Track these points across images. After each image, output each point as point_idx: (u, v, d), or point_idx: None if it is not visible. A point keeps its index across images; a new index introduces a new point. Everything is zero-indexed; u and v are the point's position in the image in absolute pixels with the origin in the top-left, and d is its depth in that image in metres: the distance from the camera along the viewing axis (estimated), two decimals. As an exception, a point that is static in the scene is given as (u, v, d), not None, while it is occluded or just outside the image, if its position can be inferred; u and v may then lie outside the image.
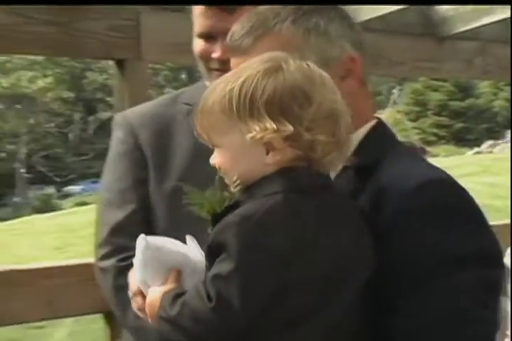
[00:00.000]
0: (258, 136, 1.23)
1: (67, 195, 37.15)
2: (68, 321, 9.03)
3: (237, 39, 1.45)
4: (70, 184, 39.47)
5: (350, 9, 3.46)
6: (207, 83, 2.02)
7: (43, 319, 2.91)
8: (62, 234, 18.42)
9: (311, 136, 1.24)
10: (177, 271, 1.33)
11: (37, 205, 32.72)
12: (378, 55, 3.55)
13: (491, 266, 1.32)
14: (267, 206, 1.22)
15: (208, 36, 1.96)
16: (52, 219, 22.70)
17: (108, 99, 41.35)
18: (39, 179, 39.07)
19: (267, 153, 1.26)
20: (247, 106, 1.24)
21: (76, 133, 42.31)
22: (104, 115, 40.73)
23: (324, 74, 1.30)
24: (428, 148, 33.24)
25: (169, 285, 1.31)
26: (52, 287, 2.69)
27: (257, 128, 1.23)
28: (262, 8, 1.47)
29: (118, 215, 2.00)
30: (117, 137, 2.10)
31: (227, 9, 1.90)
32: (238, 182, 1.30)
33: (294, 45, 1.41)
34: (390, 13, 3.40)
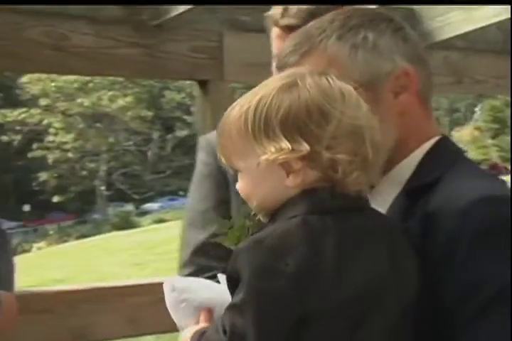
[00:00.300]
0: (272, 158, 1.16)
1: (145, 212, 37.78)
2: (150, 338, 9.11)
3: (284, 57, 1.40)
4: (148, 201, 40.13)
5: (432, 28, 3.45)
6: None
7: (124, 336, 2.95)
8: (140, 251, 18.71)
9: (331, 155, 1.16)
10: (207, 311, 1.29)
11: (116, 222, 33.31)
12: (462, 73, 3.52)
13: None
14: (281, 229, 1.15)
15: None
16: (130, 236, 23.09)
17: (185, 117, 41.95)
18: (118, 196, 39.85)
19: (288, 176, 1.19)
20: (262, 127, 1.18)
21: (154, 151, 43.02)
22: (181, 133, 41.33)
23: (347, 88, 1.22)
24: (507, 166, 32.50)
25: (201, 325, 1.27)
26: (134, 305, 2.74)
27: (273, 149, 1.17)
28: (310, 24, 1.42)
29: (201, 236, 2.03)
30: (201, 159, 2.14)
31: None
32: (261, 208, 1.24)
33: (340, 62, 1.35)
34: (473, 31, 3.37)
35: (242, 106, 1.21)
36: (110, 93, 37.86)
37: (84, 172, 39.59)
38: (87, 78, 33.84)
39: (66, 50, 2.96)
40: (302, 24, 1.91)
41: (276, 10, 1.96)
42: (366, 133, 1.19)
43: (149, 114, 40.96)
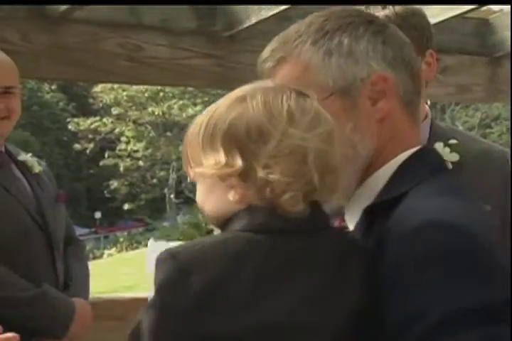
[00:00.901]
0: (207, 170, 1.16)
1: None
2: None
3: (261, 63, 1.36)
4: (217, 209, 40.28)
5: (506, 38, 3.38)
6: None
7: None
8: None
9: (265, 175, 1.13)
10: None
11: (185, 230, 33.60)
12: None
13: (501, 322, 1.09)
14: (205, 244, 1.13)
15: None
16: (199, 244, 23.21)
17: (254, 126, 42.03)
18: (187, 204, 40.23)
19: (230, 190, 1.17)
20: (208, 138, 1.18)
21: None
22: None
23: (299, 107, 1.17)
24: None
25: None
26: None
27: (212, 161, 1.16)
28: (291, 27, 1.36)
29: None
30: None
31: None
32: (211, 218, 1.23)
33: (314, 68, 1.30)
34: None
35: (201, 117, 1.22)
36: (180, 102, 38.30)
37: (154, 181, 40.12)
38: (158, 87, 34.33)
39: (140, 61, 3.02)
40: None
41: None
42: (311, 155, 1.14)
43: (219, 123, 41.16)
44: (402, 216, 1.19)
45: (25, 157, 2.64)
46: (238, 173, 1.14)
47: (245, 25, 2.95)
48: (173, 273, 1.10)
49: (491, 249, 1.15)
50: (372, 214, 1.25)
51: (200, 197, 1.23)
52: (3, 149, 2.56)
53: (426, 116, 2.07)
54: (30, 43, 2.89)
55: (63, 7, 2.78)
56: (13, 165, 2.58)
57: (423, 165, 1.30)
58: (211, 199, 1.21)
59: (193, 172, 1.21)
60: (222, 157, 1.15)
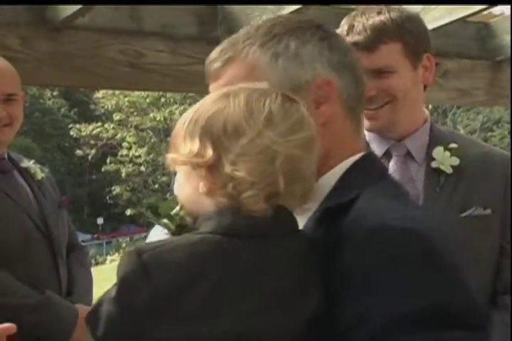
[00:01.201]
0: (179, 158, 1.21)
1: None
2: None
3: (208, 64, 1.39)
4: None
5: (507, 42, 3.38)
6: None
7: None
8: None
9: (230, 171, 1.15)
10: None
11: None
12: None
13: (451, 327, 1.08)
14: (172, 245, 1.14)
15: None
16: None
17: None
18: (189, 209, 40.20)
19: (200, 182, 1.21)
20: (190, 130, 1.21)
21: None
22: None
23: (281, 111, 1.19)
24: None
25: None
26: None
27: (187, 150, 1.20)
28: (240, 31, 1.41)
29: None
30: None
31: (368, 48, 1.94)
32: (185, 210, 1.27)
33: (261, 70, 1.33)
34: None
35: (189, 110, 1.26)
36: (182, 108, 38.31)
37: (156, 186, 40.13)
38: (159, 93, 34.38)
39: (141, 67, 3.02)
40: (368, 40, 1.94)
41: (342, 27, 1.98)
42: (280, 159, 1.16)
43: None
44: (355, 220, 1.20)
45: (28, 164, 2.64)
46: (207, 165, 1.17)
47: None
48: (134, 271, 1.11)
49: (441, 252, 1.16)
50: (327, 217, 1.25)
51: (177, 186, 1.26)
52: (5, 156, 2.57)
53: (425, 120, 2.08)
54: (32, 50, 2.89)
55: (64, 14, 2.79)
56: (16, 171, 2.58)
57: (369, 171, 1.34)
58: (185, 188, 1.23)
59: (167, 159, 1.24)
60: (196, 147, 1.18)
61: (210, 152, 1.17)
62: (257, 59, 1.34)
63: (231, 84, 1.29)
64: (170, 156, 1.22)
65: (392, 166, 2.04)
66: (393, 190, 1.32)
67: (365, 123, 2.02)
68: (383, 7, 1.99)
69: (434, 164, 2.02)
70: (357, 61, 1.39)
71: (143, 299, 1.09)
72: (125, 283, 1.11)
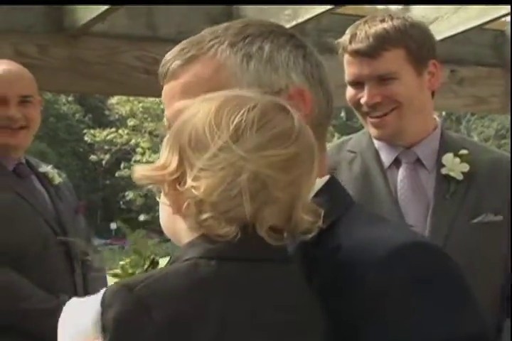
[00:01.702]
0: (140, 171, 1.06)
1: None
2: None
3: (164, 64, 1.22)
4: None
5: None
6: (369, 129, 2.07)
7: None
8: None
9: (190, 187, 0.99)
10: None
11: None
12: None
13: None
14: (162, 274, 0.99)
15: (355, 83, 2.03)
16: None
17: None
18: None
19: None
20: (166, 139, 1.08)
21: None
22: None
23: (258, 123, 1.02)
24: None
25: None
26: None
27: (157, 162, 1.06)
28: (203, 31, 1.26)
29: None
30: None
31: (370, 55, 1.96)
32: (169, 236, 1.11)
33: (229, 71, 1.18)
34: None
35: None
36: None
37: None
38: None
39: (156, 73, 3.03)
40: (369, 48, 1.95)
41: (345, 37, 2.00)
42: (245, 177, 0.98)
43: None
44: (358, 246, 1.08)
45: (46, 168, 2.66)
46: (173, 179, 1.03)
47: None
48: (130, 309, 0.94)
49: (456, 269, 1.09)
50: (300, 247, 1.12)
51: (160, 208, 1.11)
52: (23, 160, 2.59)
53: (435, 127, 2.08)
54: (49, 57, 2.91)
55: (82, 21, 2.81)
56: (34, 176, 2.60)
57: (339, 194, 1.22)
58: (162, 211, 1.10)
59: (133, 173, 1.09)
60: (164, 157, 1.05)
61: (174, 164, 1.02)
62: (226, 59, 1.19)
63: (190, 85, 1.17)
64: (135, 169, 1.07)
65: (401, 173, 2.05)
66: (371, 214, 1.22)
67: (373, 131, 2.04)
68: (386, 15, 2.01)
69: (444, 171, 2.02)
70: (327, 77, 1.25)
71: (150, 338, 0.93)
72: (122, 326, 0.94)
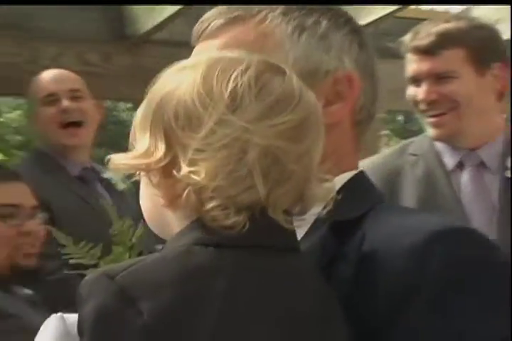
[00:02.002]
0: (122, 160, 0.89)
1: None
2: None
3: (202, 21, 1.07)
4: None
5: None
6: (429, 131, 2.06)
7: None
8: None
9: (187, 173, 0.83)
10: None
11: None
12: None
13: None
14: (148, 262, 0.83)
15: (415, 80, 2.02)
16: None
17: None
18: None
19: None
20: (143, 120, 0.90)
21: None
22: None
23: (256, 87, 0.86)
24: None
25: None
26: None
27: (137, 148, 0.89)
28: None
29: None
30: None
31: (430, 52, 1.97)
32: (152, 228, 0.95)
33: (277, 40, 1.04)
34: None
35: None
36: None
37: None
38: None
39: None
40: (429, 45, 1.96)
41: (408, 35, 2.02)
42: (253, 153, 0.83)
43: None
44: (394, 233, 0.92)
45: (110, 174, 2.70)
46: (162, 167, 0.86)
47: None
48: (113, 302, 0.80)
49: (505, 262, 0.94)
50: (333, 236, 0.98)
51: (140, 201, 0.95)
52: (89, 165, 2.64)
53: (502, 129, 2.06)
54: (111, 65, 2.96)
55: (143, 29, 2.85)
56: (98, 182, 2.64)
57: (369, 189, 1.08)
58: (146, 203, 0.93)
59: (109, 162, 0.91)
60: (145, 142, 0.87)
61: (162, 148, 0.85)
62: (276, 26, 1.04)
63: (228, 47, 1.00)
64: (112, 158, 0.90)
65: (465, 176, 2.03)
66: (402, 207, 1.09)
67: (431, 131, 2.02)
68: (452, 17, 2.03)
69: (508, 173, 1.99)
70: (377, 73, 1.12)
71: (133, 335, 0.79)
72: (103, 320, 0.81)
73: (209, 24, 1.06)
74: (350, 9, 2.98)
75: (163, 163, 0.85)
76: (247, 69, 0.86)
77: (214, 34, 1.05)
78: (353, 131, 1.07)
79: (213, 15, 1.06)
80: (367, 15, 2.92)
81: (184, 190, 0.84)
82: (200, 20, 1.08)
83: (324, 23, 1.06)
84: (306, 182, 0.87)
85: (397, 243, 0.90)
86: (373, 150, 2.78)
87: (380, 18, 2.92)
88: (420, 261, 0.87)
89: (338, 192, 0.96)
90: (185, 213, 0.86)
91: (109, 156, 0.90)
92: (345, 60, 1.05)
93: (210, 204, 0.83)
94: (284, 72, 0.89)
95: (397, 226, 0.94)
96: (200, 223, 0.85)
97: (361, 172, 1.08)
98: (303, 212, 0.90)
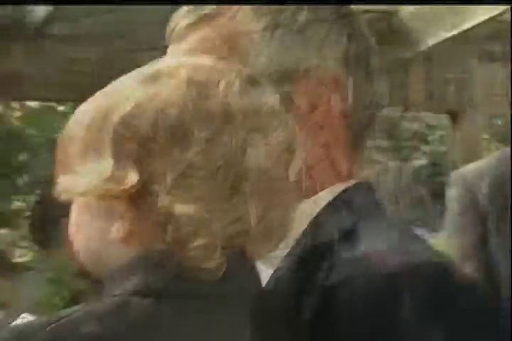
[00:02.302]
0: (78, 187, 0.72)
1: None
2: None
3: (172, 21, 0.98)
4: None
5: None
6: None
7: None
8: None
9: (168, 203, 0.69)
10: None
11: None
12: None
13: None
14: (73, 317, 0.68)
15: None
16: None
17: (422, 147, 41.36)
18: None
19: (112, 223, 0.73)
20: (94, 135, 0.74)
21: (390, 180, 42.81)
22: (417, 163, 40.79)
23: (243, 100, 0.74)
24: None
25: None
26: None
27: (93, 171, 0.72)
28: None
29: None
30: (453, 195, 2.16)
31: None
32: (85, 264, 0.78)
33: (245, 40, 0.92)
34: None
35: (89, 102, 0.79)
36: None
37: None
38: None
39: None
40: None
41: None
42: (252, 174, 0.71)
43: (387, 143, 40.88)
44: (360, 264, 0.82)
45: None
46: (129, 194, 0.70)
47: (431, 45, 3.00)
48: None
49: None
50: (304, 261, 0.86)
51: (71, 224, 0.78)
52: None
53: None
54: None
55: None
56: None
57: (361, 204, 0.92)
58: (85, 232, 0.77)
59: (59, 186, 0.75)
60: (107, 164, 0.71)
61: (133, 173, 0.70)
62: (245, 23, 0.93)
63: (196, 52, 0.92)
64: (63, 182, 0.74)
65: None
66: (393, 224, 0.93)
67: None
68: None
69: None
70: (378, 68, 0.97)
71: None
72: None
73: (174, 26, 0.97)
74: (450, 15, 2.98)
75: (133, 190, 0.70)
76: (234, 79, 0.76)
77: (181, 35, 0.96)
78: (346, 134, 0.94)
79: (181, 15, 0.97)
80: (469, 19, 2.91)
81: (156, 223, 0.70)
82: (170, 21, 0.99)
83: (303, 15, 0.94)
84: (288, 212, 0.77)
85: (370, 273, 0.80)
86: (473, 155, 2.78)
87: (483, 22, 2.90)
88: (395, 295, 0.78)
89: (321, 211, 0.89)
90: (134, 251, 0.72)
91: (61, 181, 0.74)
92: (330, 55, 0.93)
93: (197, 243, 0.69)
94: (261, 86, 0.78)
95: (372, 254, 0.82)
96: (143, 261, 0.72)
97: (357, 184, 0.94)
98: (277, 246, 0.78)
